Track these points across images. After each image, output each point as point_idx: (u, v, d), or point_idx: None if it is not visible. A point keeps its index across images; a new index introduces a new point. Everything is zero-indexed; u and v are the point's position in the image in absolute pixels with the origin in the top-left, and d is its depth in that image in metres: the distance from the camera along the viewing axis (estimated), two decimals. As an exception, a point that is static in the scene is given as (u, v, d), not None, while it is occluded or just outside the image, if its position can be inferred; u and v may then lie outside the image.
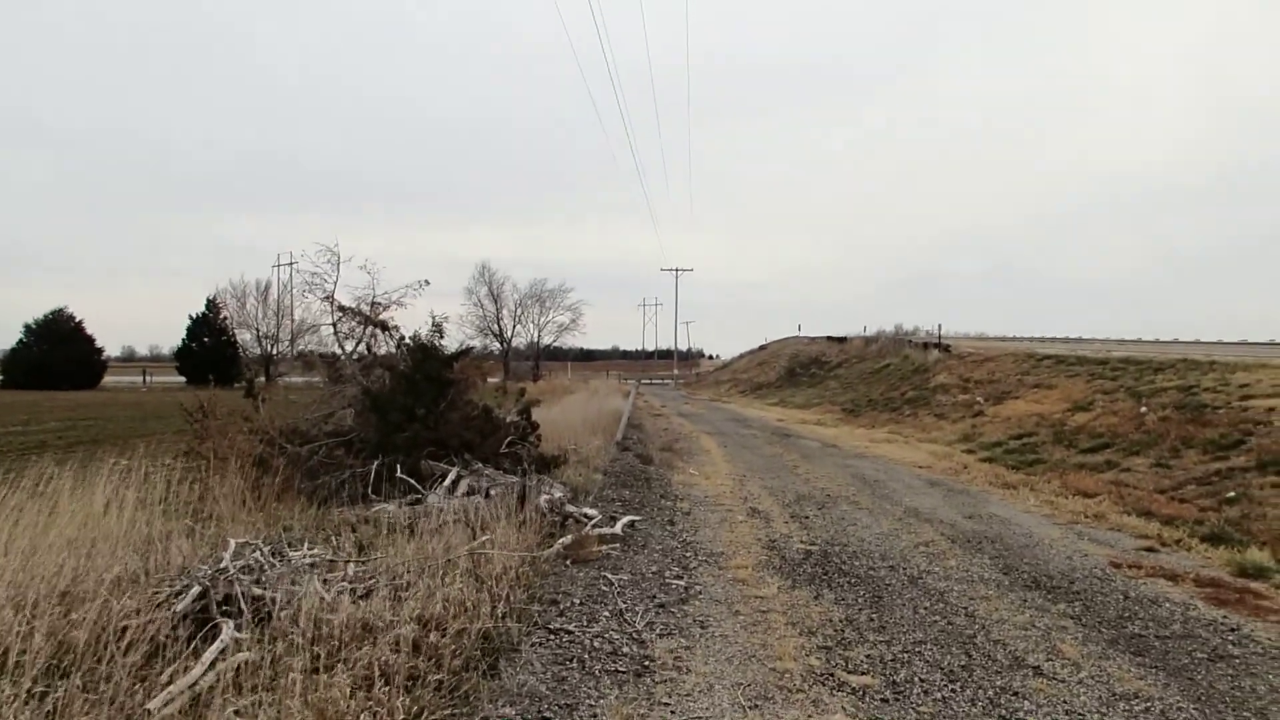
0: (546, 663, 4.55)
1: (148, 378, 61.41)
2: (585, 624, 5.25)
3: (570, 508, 8.02)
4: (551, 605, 5.57)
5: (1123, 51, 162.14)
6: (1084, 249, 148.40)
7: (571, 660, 4.62)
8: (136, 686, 3.55)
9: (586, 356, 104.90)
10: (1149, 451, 13.11)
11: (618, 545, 7.42)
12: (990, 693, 4.44)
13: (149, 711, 3.38)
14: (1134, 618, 5.92)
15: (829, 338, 53.80)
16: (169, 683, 3.60)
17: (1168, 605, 6.25)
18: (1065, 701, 4.35)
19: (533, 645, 4.79)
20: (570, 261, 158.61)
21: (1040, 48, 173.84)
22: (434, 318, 10.61)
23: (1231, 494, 10.18)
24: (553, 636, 4.98)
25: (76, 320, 55.42)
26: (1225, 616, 6.00)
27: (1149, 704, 4.36)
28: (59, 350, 52.10)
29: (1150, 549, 8.28)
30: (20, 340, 53.69)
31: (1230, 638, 5.53)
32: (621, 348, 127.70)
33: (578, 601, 5.71)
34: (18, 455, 12.47)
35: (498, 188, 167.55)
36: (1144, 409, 15.48)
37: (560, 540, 6.99)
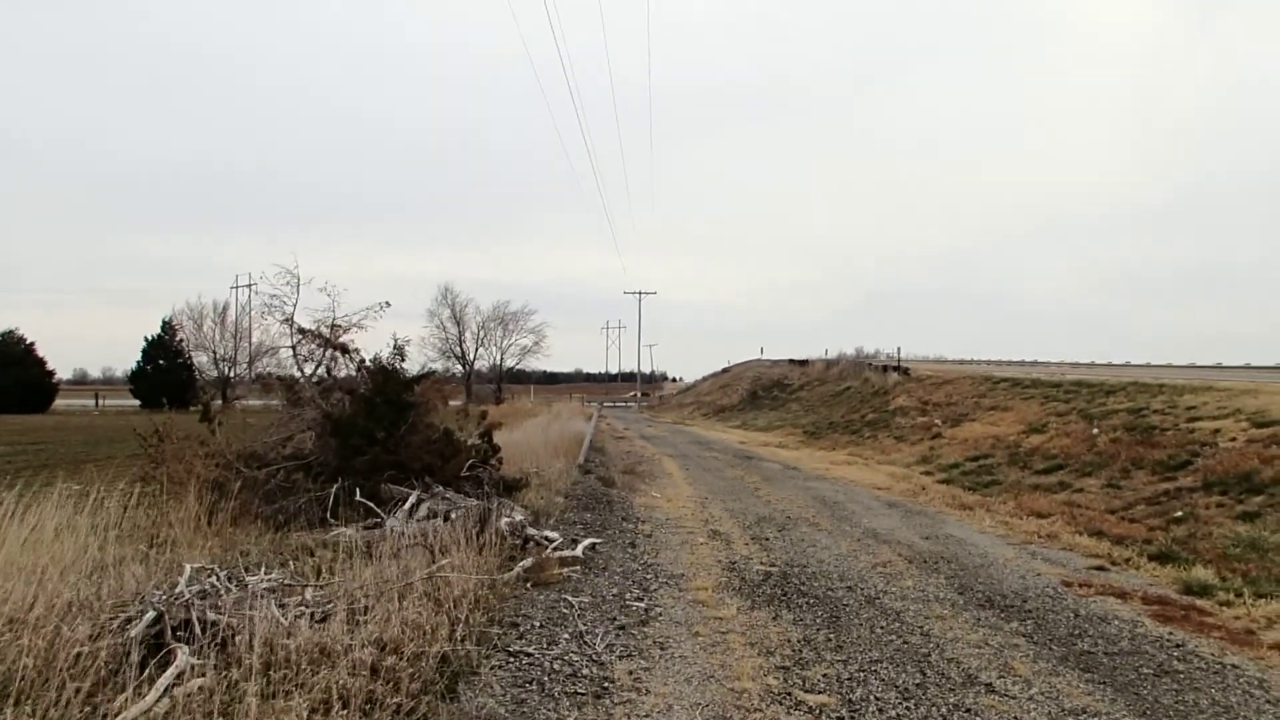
0: (506, 685, 4.56)
1: (100, 401, 60.13)
2: (545, 646, 5.26)
3: (531, 531, 8.02)
4: (511, 628, 5.57)
5: (1062, 75, 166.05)
6: (1034, 270, 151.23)
7: (531, 682, 4.63)
8: (89, 713, 3.50)
9: (550, 379, 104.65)
10: (1100, 472, 13.40)
11: (579, 568, 7.43)
12: (944, 710, 4.53)
13: (101, 738, 3.34)
14: (1084, 635, 6.05)
15: (791, 360, 54.32)
16: (122, 709, 3.56)
17: (1116, 623, 6.41)
18: (1016, 717, 4.44)
19: (492, 668, 4.80)
20: (533, 284, 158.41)
21: (986, 71, 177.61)
22: (395, 340, 10.60)
23: (1179, 513, 10.44)
24: (512, 659, 4.98)
25: (27, 342, 54.22)
26: (1171, 633, 6.16)
27: (1096, 718, 4.47)
28: (8, 373, 50.80)
29: (1100, 568, 8.46)
30: (-32, 363, 52.40)
31: (1175, 653, 5.67)
32: (585, 370, 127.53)
33: (538, 624, 5.71)
34: (-36, 480, 12.16)
35: (460, 209, 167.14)
36: (1096, 431, 15.83)
37: (521, 563, 6.99)
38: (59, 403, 56.14)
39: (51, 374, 56.17)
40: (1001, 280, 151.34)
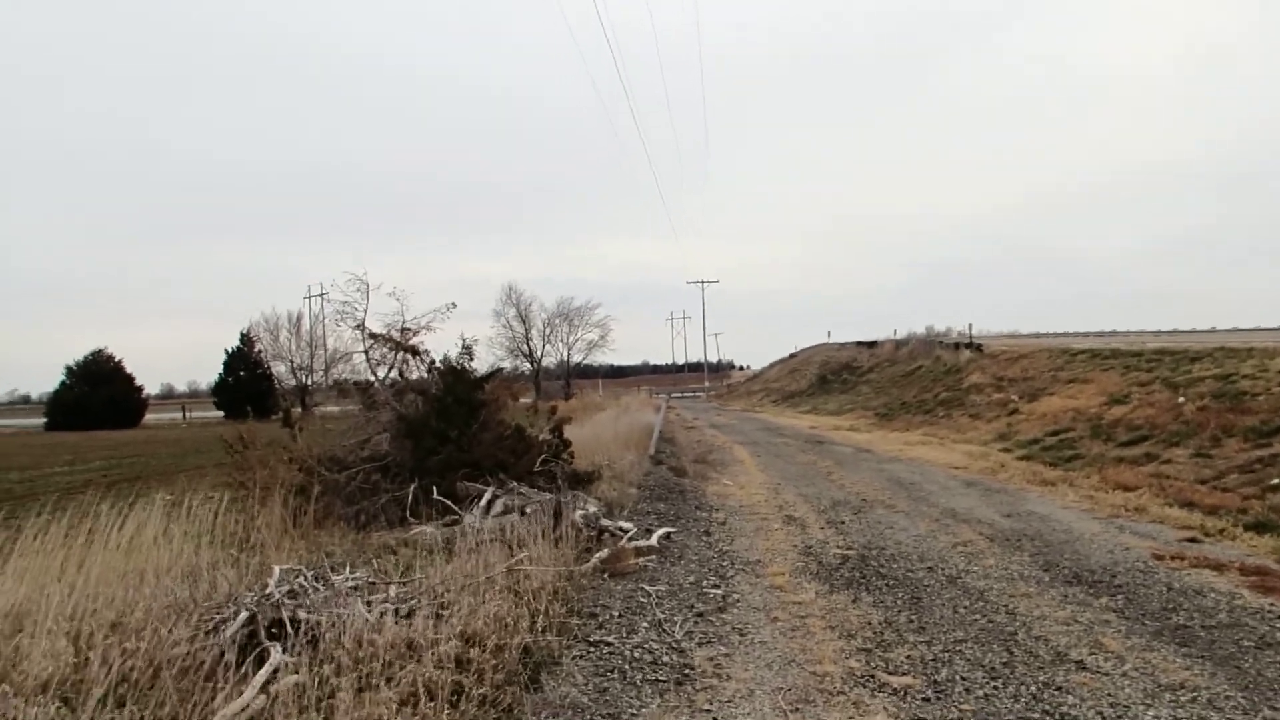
0: (588, 674, 4.61)
1: (187, 413, 62.53)
2: (624, 635, 5.30)
3: (605, 522, 8.07)
4: (590, 618, 5.62)
5: (1130, 38, 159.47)
6: (1108, 236, 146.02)
7: (612, 671, 4.67)
8: (191, 712, 3.64)
9: (617, 373, 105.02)
10: (1188, 442, 12.93)
11: (654, 557, 7.46)
12: (1033, 688, 4.43)
13: (204, 734, 3.47)
14: (1178, 609, 5.85)
15: (859, 343, 53.47)
16: (223, 707, 3.69)
17: (1212, 595, 6.18)
18: (1110, 694, 4.33)
19: (573, 658, 4.85)
20: (596, 279, 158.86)
21: (1066, 28, 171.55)
22: (463, 340, 10.75)
23: (1276, 481, 10.02)
24: (593, 649, 5.03)
25: (116, 360, 56.63)
26: (1273, 604, 5.91)
27: (1195, 693, 4.32)
28: (100, 390, 53.23)
29: (1193, 540, 8.17)
30: (62, 382, 54.97)
31: (1278, 624, 5.46)
32: (652, 362, 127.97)
33: (616, 614, 5.75)
34: (64, 494, 12.72)
35: (519, 207, 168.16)
36: (1182, 399, 15.27)
37: (596, 554, 7.04)
38: (148, 417, 58.53)
39: (140, 389, 58.67)
40: (1075, 248, 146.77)
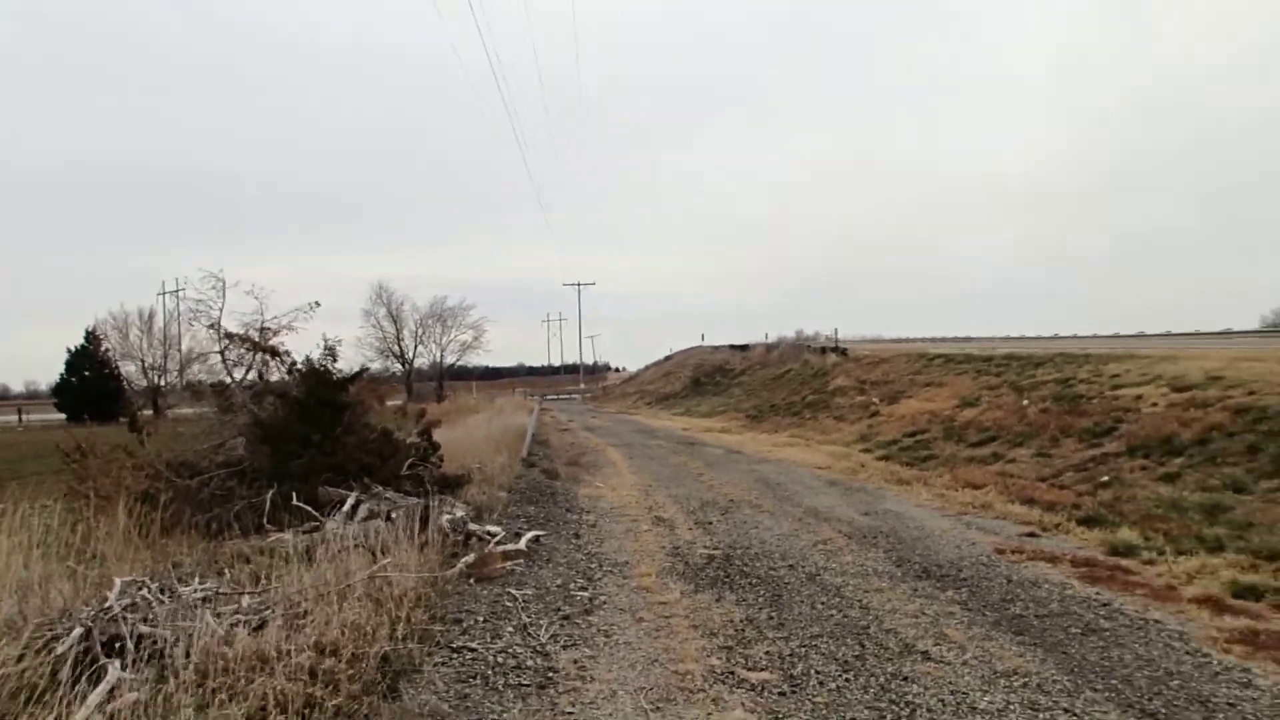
0: (449, 681, 4.55)
1: (24, 416, 58.11)
2: (489, 640, 5.26)
3: (473, 526, 7.98)
4: (455, 624, 5.55)
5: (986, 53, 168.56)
6: (968, 248, 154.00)
7: (475, 677, 4.63)
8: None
9: (492, 375, 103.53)
10: (1031, 442, 13.79)
11: (522, 561, 7.43)
12: (882, 679, 4.64)
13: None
14: (1015, 600, 6.25)
15: (732, 346, 54.57)
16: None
17: (1046, 586, 6.62)
18: (951, 682, 4.58)
19: (435, 665, 4.78)
20: (471, 279, 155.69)
21: (912, 57, 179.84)
22: (326, 341, 10.42)
23: (1105, 478, 10.80)
24: (455, 655, 4.97)
25: (-58, 359, 52.15)
26: (1098, 593, 6.40)
27: (1027, 679, 4.63)
28: (-77, 392, 48.91)
29: (1032, 534, 8.73)
30: (-121, 383, 50.22)
31: (1102, 612, 5.90)
32: (528, 364, 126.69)
33: (481, 619, 5.70)
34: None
35: (394, 208, 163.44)
36: (1026, 402, 16.27)
37: (463, 559, 6.96)
38: (-21, 420, 54.13)
39: (-30, 391, 54.15)
40: (937, 259, 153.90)
